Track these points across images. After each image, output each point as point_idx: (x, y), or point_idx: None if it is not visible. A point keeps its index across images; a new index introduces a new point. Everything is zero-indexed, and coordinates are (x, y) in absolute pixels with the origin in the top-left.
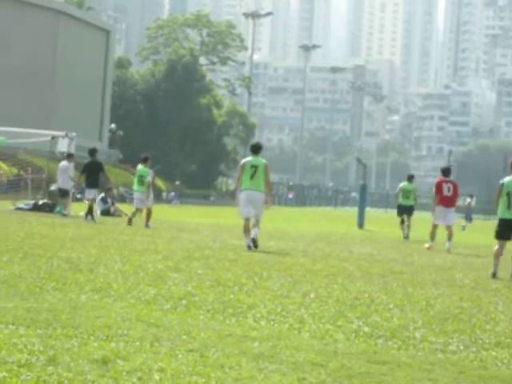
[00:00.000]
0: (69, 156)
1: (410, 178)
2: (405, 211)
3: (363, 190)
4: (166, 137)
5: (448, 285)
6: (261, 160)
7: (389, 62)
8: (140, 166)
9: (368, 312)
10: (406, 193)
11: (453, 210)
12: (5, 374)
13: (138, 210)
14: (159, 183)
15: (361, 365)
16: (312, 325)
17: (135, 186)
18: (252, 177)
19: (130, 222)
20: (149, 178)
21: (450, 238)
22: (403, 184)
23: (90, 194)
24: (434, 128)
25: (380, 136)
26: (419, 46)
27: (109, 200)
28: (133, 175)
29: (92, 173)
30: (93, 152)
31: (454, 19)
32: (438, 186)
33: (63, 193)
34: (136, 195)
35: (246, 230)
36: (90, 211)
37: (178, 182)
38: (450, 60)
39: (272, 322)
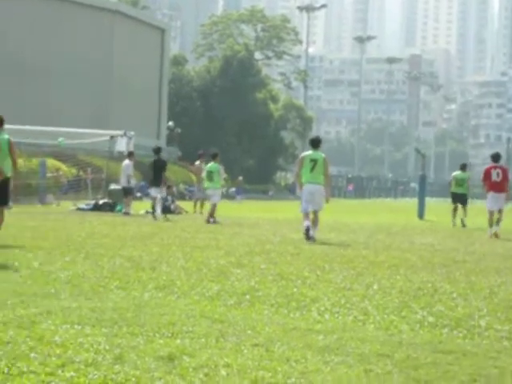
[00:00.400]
0: (129, 154)
1: (463, 167)
2: (458, 199)
3: (422, 180)
4: (223, 132)
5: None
6: (320, 154)
7: (444, 50)
8: (210, 163)
9: (432, 302)
10: (458, 181)
11: (503, 195)
12: (72, 373)
13: (215, 206)
14: None
15: (426, 355)
16: (376, 316)
17: (206, 183)
18: (311, 170)
19: (208, 220)
20: (222, 175)
21: (498, 221)
22: (456, 173)
23: (156, 191)
24: (492, 116)
25: (437, 125)
26: (474, 34)
27: (169, 198)
28: (191, 172)
29: (157, 171)
30: (158, 150)
31: (509, 6)
32: (487, 173)
33: (125, 191)
34: (208, 192)
35: (306, 218)
36: (155, 208)
37: (240, 178)
38: (505, 47)
39: (336, 315)
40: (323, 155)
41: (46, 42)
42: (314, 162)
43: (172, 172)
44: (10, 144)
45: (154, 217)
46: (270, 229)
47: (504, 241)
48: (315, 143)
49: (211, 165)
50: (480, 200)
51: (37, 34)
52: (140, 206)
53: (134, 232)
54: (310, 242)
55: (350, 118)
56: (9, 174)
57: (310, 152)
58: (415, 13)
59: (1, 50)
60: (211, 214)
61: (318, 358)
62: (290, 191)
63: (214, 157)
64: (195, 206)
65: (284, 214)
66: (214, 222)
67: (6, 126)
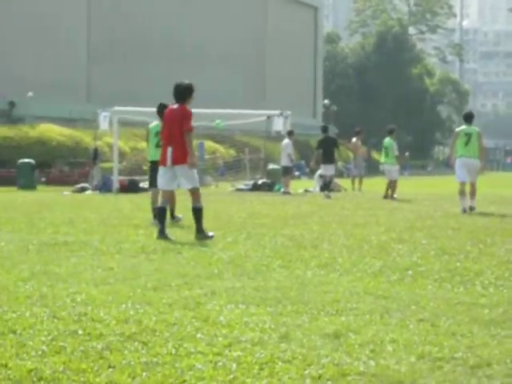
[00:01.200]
0: (289, 133)
1: None
2: None
3: None
4: (378, 109)
5: None
6: (474, 128)
7: None
8: (386, 138)
9: None
10: None
11: None
12: (239, 352)
13: (392, 182)
14: (376, 155)
15: None
16: None
17: (382, 158)
18: (466, 144)
19: (385, 196)
20: (395, 151)
21: None
22: None
23: (327, 169)
24: None
25: None
26: None
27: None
28: (349, 150)
29: (327, 149)
30: (325, 129)
31: None
32: None
33: (284, 170)
34: (385, 167)
35: (462, 193)
36: (326, 186)
37: (407, 154)
38: None
39: (501, 288)
40: (477, 129)
41: (200, 24)
42: (469, 136)
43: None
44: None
45: (327, 196)
46: (430, 204)
47: None
48: (468, 118)
49: (386, 140)
50: None
51: (190, 17)
52: (298, 185)
53: (293, 211)
54: (470, 213)
55: (507, 90)
56: (158, 158)
57: (464, 126)
58: None
59: (156, 34)
60: (392, 192)
61: (484, 332)
62: (447, 165)
63: (390, 132)
64: (353, 183)
65: (443, 189)
66: (393, 198)
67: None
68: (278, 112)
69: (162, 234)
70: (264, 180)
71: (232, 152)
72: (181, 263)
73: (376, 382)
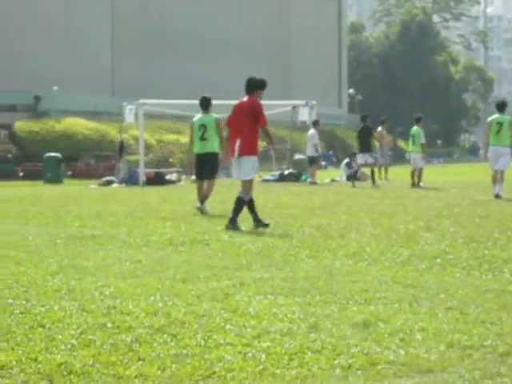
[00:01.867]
0: (315, 123)
1: None
2: None
3: None
4: (404, 97)
5: None
6: (506, 117)
7: None
8: (413, 127)
9: None
10: None
11: None
12: (269, 343)
13: (416, 170)
14: (402, 144)
15: None
16: None
17: (410, 147)
18: (497, 133)
19: (413, 184)
20: (422, 139)
21: None
22: None
23: (363, 158)
24: None
25: None
26: None
27: (354, 164)
28: (374, 139)
29: (364, 138)
30: (364, 118)
31: None
32: None
33: (310, 160)
34: (411, 155)
35: (494, 181)
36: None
37: (439, 141)
38: None
39: None
40: (509, 118)
41: (223, 17)
42: (500, 124)
43: (355, 139)
44: (216, 122)
45: (375, 185)
46: (457, 192)
47: None
48: (501, 107)
49: (414, 128)
50: None
51: (214, 10)
52: (324, 175)
53: (320, 201)
54: (498, 199)
55: None
56: (217, 150)
57: (496, 115)
58: None
59: (180, 28)
60: (418, 180)
61: None
62: (472, 153)
63: (417, 120)
64: (379, 172)
65: (471, 177)
66: (419, 187)
67: (183, 102)
68: (303, 102)
69: (258, 222)
70: (290, 170)
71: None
72: (209, 255)
73: (406, 371)
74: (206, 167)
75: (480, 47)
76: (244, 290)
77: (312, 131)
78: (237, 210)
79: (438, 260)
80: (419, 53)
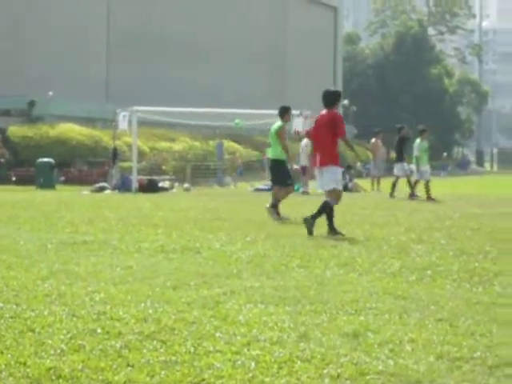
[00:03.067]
0: (307, 133)
1: None
2: None
3: None
4: (398, 109)
5: None
6: None
7: None
8: (417, 139)
9: None
10: None
11: None
12: (258, 351)
13: (425, 182)
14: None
15: None
16: None
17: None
18: None
19: (428, 197)
20: (415, 152)
21: None
22: None
23: (400, 168)
24: None
25: None
26: None
27: (347, 176)
28: (368, 150)
29: (398, 148)
30: (399, 129)
31: None
32: None
33: (303, 170)
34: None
35: None
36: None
37: (445, 154)
38: None
39: None
40: None
41: (220, 24)
42: None
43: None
44: (276, 130)
45: (415, 196)
46: (449, 204)
47: None
48: None
49: (416, 141)
50: None
51: (210, 17)
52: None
53: (311, 211)
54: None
55: None
56: (281, 157)
57: None
58: None
59: (176, 34)
60: (427, 191)
61: (503, 332)
62: (461, 166)
63: (421, 133)
64: (372, 183)
65: (462, 190)
66: (413, 197)
67: (177, 109)
68: (297, 112)
69: (333, 231)
70: None
71: (251, 152)
72: (200, 262)
73: (395, 382)
74: (271, 173)
75: (475, 60)
76: (234, 298)
77: (305, 141)
78: (329, 218)
79: (429, 272)
80: (414, 65)
